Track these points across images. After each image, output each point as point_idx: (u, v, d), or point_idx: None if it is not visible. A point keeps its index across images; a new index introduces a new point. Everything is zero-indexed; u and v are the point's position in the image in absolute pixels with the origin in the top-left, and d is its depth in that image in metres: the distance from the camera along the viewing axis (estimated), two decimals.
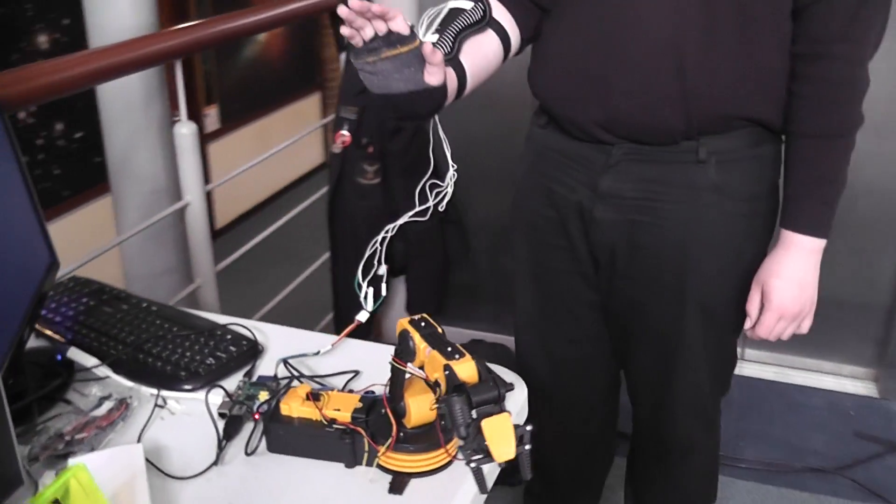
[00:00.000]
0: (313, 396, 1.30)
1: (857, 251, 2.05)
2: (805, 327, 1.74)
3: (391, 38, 1.34)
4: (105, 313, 1.65)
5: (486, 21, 1.59)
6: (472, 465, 1.10)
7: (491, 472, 1.19)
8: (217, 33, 2.31)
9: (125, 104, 2.54)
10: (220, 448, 1.29)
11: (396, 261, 3.16)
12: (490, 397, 1.11)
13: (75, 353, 1.52)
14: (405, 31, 1.34)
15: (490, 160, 3.08)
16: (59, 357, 1.51)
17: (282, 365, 1.48)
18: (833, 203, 1.65)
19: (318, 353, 1.53)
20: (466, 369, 1.15)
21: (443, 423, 1.22)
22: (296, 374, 1.46)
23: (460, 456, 1.13)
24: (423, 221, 3.07)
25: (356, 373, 1.49)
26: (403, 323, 1.26)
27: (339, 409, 1.28)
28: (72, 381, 1.48)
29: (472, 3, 1.57)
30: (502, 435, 1.09)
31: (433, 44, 1.42)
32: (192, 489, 1.23)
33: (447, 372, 1.15)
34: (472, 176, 3.12)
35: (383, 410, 1.27)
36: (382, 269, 3.18)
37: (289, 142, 3.02)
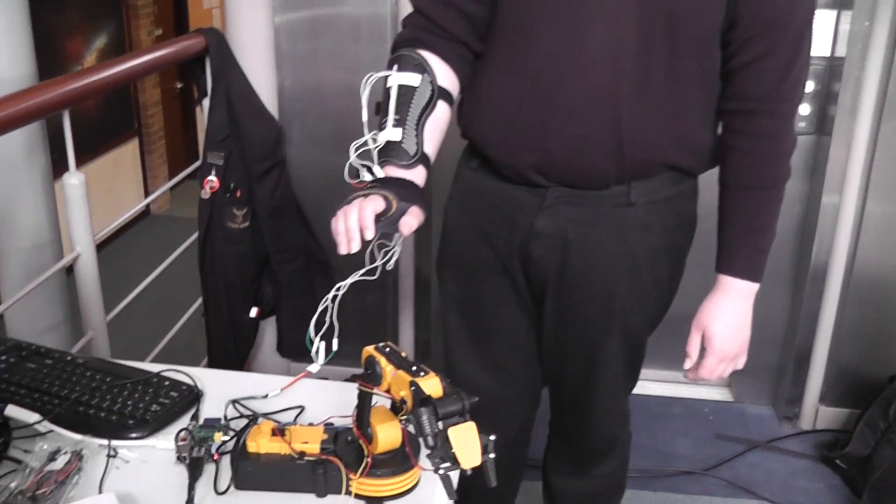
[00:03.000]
0: (280, 432, 1.33)
1: (704, 266, 2.18)
2: (740, 364, 1.85)
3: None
4: (30, 369, 1.62)
5: (436, 95, 1.64)
6: (441, 471, 1.16)
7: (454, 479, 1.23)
8: (101, 81, 2.29)
9: (7, 159, 2.47)
10: (192, 490, 1.31)
11: (266, 303, 3.17)
12: (456, 409, 1.18)
13: (13, 411, 1.49)
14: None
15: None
16: None
17: (230, 406, 1.50)
18: (767, 249, 1.77)
19: (266, 396, 1.56)
20: (432, 385, 1.20)
21: (411, 437, 1.27)
22: (247, 413, 1.48)
23: (428, 465, 1.18)
24: (290, 264, 3.10)
25: (302, 408, 1.53)
26: (369, 350, 1.31)
27: (306, 442, 1.33)
28: (11, 439, 1.45)
29: (418, 76, 1.62)
30: (468, 443, 1.15)
31: (399, 142, 1.58)
32: None
33: (413, 388, 1.21)
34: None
35: (349, 438, 1.32)
36: (253, 312, 3.19)
37: (165, 187, 2.99)
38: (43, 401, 1.53)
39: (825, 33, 3.02)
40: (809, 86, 3.05)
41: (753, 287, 1.78)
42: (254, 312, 3.13)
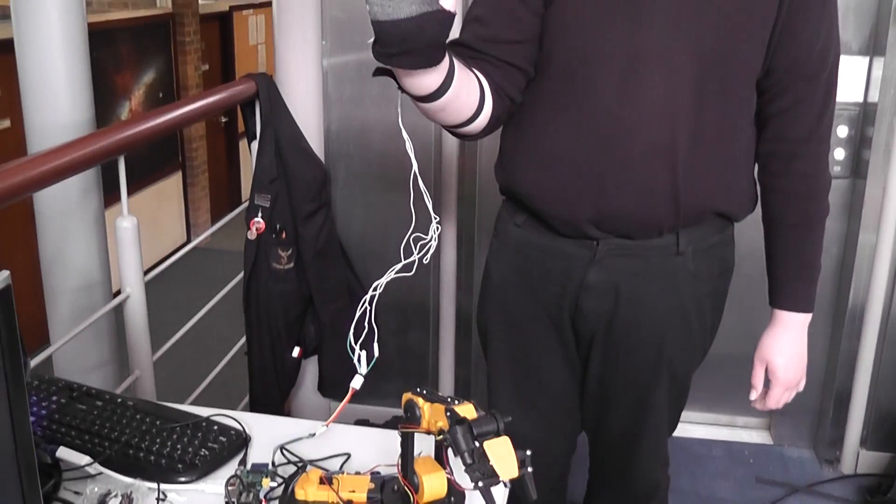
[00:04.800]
0: (327, 480, 1.36)
1: (741, 308, 2.21)
2: (801, 388, 1.95)
3: None
4: (80, 410, 1.66)
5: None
6: (481, 484, 1.18)
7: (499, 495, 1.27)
8: (155, 127, 2.35)
9: (62, 201, 2.53)
10: None
11: (308, 343, 3.21)
12: (490, 428, 1.22)
13: (64, 452, 1.53)
14: None
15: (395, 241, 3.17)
16: (49, 458, 1.52)
17: (277, 452, 1.53)
18: (815, 281, 1.87)
19: (313, 434, 1.58)
20: (466, 409, 1.25)
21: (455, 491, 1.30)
22: (294, 459, 1.51)
23: (468, 483, 1.20)
24: (334, 304, 3.12)
25: (348, 455, 1.55)
26: (408, 395, 1.34)
27: (353, 491, 1.35)
28: (62, 481, 1.49)
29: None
30: (505, 456, 1.19)
31: None
32: None
33: (448, 413, 1.24)
34: (378, 259, 3.22)
35: (395, 487, 1.34)
36: (295, 352, 3.22)
37: (215, 227, 3.04)
38: (93, 443, 1.56)
39: (858, 79, 3.06)
40: (843, 130, 3.10)
41: (807, 317, 1.87)
42: (296, 352, 3.16)
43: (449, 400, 1.28)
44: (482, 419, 1.23)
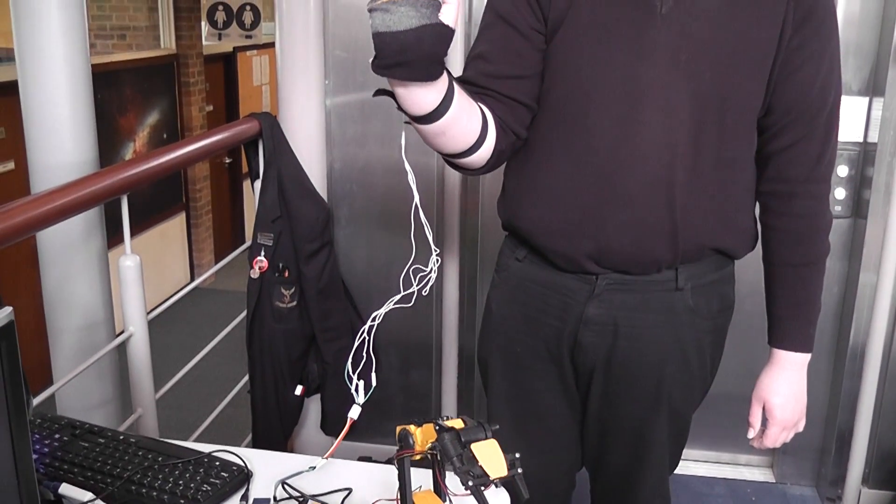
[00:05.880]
0: None
1: (743, 346, 2.22)
2: (800, 428, 1.94)
3: None
4: (83, 448, 1.67)
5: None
6: (471, 483, 1.19)
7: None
8: (158, 166, 2.37)
9: (66, 240, 2.55)
10: None
11: (311, 381, 3.21)
12: (478, 436, 1.24)
13: (67, 489, 1.53)
14: None
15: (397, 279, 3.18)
16: (52, 495, 1.52)
17: (280, 486, 1.53)
18: (815, 321, 1.86)
19: (314, 468, 1.59)
20: (454, 422, 1.26)
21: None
22: (296, 494, 1.52)
23: (457, 489, 1.23)
24: (336, 342, 3.12)
25: (350, 490, 1.56)
26: (400, 427, 1.34)
27: None
28: None
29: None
30: (493, 456, 1.21)
31: None
32: None
33: (437, 427, 1.26)
34: (381, 297, 3.24)
35: None
36: (298, 390, 3.22)
37: (218, 266, 3.06)
38: (96, 479, 1.57)
39: (858, 119, 3.09)
40: (844, 170, 3.12)
41: (806, 357, 1.86)
42: (299, 390, 3.17)
43: (440, 419, 1.29)
44: (469, 428, 1.25)
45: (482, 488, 1.20)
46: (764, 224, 1.85)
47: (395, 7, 1.29)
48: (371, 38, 1.33)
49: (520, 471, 1.23)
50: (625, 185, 1.69)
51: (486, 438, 1.24)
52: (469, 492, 1.19)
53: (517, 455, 1.24)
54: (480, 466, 1.20)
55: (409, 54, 1.33)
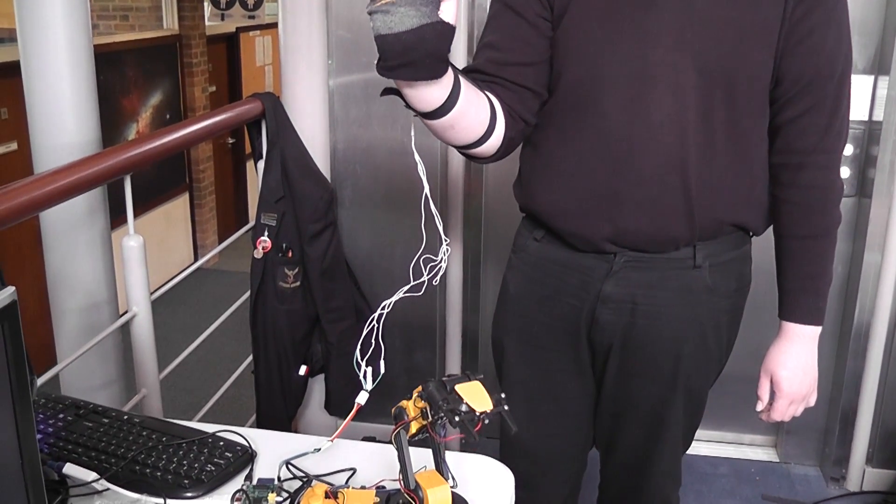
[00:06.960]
0: (333, 495, 1.37)
1: (750, 326, 2.21)
2: (811, 402, 1.93)
3: None
4: (87, 428, 1.67)
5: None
6: (457, 419, 1.23)
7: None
8: (161, 146, 2.36)
9: (69, 220, 2.55)
10: None
11: (315, 361, 3.22)
12: (462, 381, 1.29)
13: (71, 469, 1.54)
14: None
15: (401, 260, 3.18)
16: (56, 475, 1.52)
17: (283, 467, 1.53)
18: (825, 293, 1.85)
19: (318, 450, 1.58)
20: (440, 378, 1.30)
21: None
22: (300, 474, 1.52)
23: (445, 431, 1.28)
24: (340, 323, 3.13)
25: (354, 470, 1.56)
26: (395, 407, 1.37)
27: None
28: (69, 497, 1.50)
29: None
30: (477, 393, 1.26)
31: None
32: None
33: (424, 384, 1.31)
34: (384, 277, 3.24)
35: (400, 501, 1.35)
36: (302, 371, 3.22)
37: (221, 246, 3.06)
38: (100, 459, 1.57)
39: (863, 98, 3.08)
40: (849, 149, 3.10)
41: (816, 330, 1.86)
42: (303, 371, 3.17)
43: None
44: (455, 376, 1.30)
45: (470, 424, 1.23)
46: (773, 196, 1.83)
47: (394, 8, 1.29)
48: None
49: (506, 407, 1.26)
50: (638, 166, 1.70)
51: (470, 381, 1.27)
52: (455, 426, 1.23)
53: (502, 395, 1.27)
54: (466, 403, 1.23)
55: (412, 54, 1.33)
